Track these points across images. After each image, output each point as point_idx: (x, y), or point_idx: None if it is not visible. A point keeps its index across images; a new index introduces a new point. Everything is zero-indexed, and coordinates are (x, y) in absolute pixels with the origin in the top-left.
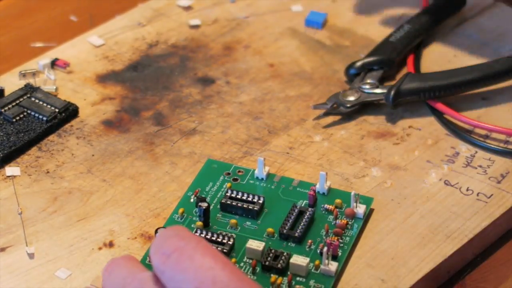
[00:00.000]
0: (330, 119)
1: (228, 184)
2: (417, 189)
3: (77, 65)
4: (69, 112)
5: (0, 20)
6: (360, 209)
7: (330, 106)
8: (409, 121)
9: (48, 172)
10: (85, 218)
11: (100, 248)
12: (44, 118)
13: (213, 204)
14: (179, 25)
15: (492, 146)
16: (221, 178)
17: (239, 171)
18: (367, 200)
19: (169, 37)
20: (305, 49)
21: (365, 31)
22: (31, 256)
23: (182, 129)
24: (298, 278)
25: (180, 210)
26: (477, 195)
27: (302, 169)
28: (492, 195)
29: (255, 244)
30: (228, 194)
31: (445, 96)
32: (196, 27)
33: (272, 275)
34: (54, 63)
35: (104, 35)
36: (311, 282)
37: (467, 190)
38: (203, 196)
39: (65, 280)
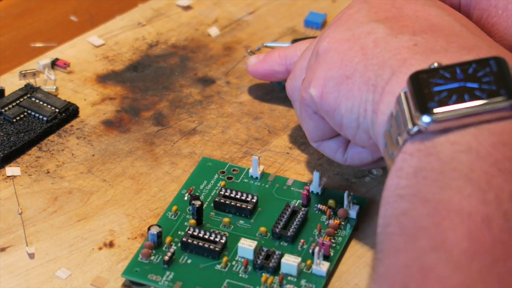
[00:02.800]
0: None
1: (222, 183)
2: None
3: (77, 65)
4: (69, 112)
5: (0, 20)
6: (353, 210)
7: None
8: None
9: (48, 172)
10: (85, 218)
11: (100, 248)
12: (44, 118)
13: (206, 203)
14: (179, 25)
15: None
16: (216, 176)
17: (233, 170)
18: (360, 201)
19: (169, 37)
20: None
21: None
22: (31, 256)
23: (182, 129)
24: (289, 278)
25: (174, 208)
26: None
27: (302, 169)
28: None
29: (247, 243)
30: (222, 193)
31: None
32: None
33: (263, 274)
34: (54, 63)
35: (104, 35)
36: (303, 282)
37: None
38: (197, 194)
39: (65, 280)
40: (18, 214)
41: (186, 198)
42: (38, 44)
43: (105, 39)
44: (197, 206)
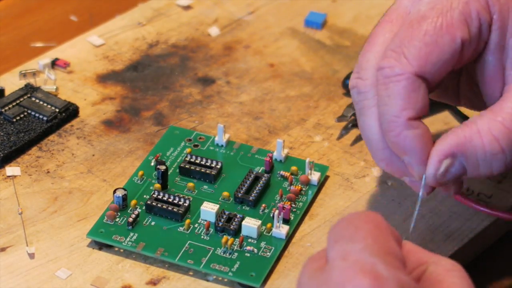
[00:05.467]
0: (330, 118)
1: (188, 150)
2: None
3: (77, 65)
4: (69, 112)
5: (0, 20)
6: (315, 176)
7: (349, 116)
8: None
9: (48, 172)
10: (85, 218)
11: (100, 248)
12: (45, 118)
13: (172, 168)
14: (179, 25)
15: None
16: (182, 144)
17: (200, 138)
18: (322, 168)
19: (169, 37)
20: (305, 49)
21: (365, 31)
22: (31, 256)
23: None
24: (249, 240)
25: (140, 173)
26: (478, 195)
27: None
28: (492, 195)
29: (210, 206)
30: (187, 159)
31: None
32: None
33: (224, 236)
34: (54, 63)
35: (104, 35)
36: (262, 244)
37: (468, 190)
38: (163, 160)
39: (65, 280)
40: (18, 214)
41: (152, 164)
42: (38, 44)
43: (105, 39)
44: (162, 170)
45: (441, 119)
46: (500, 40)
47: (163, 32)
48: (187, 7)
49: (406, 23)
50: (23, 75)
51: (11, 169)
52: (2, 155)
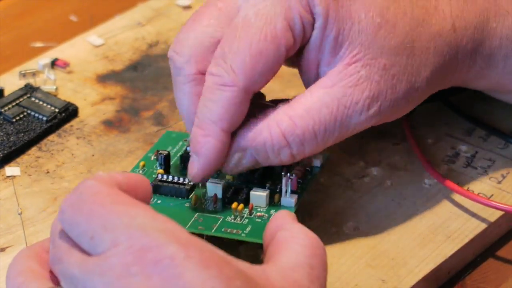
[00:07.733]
0: None
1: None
2: (417, 189)
3: (77, 65)
4: (69, 112)
5: (0, 20)
6: (317, 159)
7: None
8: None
9: (48, 172)
10: None
11: None
12: (44, 118)
13: (173, 160)
14: (179, 25)
15: (493, 146)
16: (180, 143)
17: None
18: (323, 156)
19: (169, 37)
20: None
21: None
22: None
23: (182, 129)
24: (259, 209)
25: (141, 163)
26: (478, 195)
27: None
28: (492, 195)
29: (215, 181)
30: (189, 150)
31: (457, 94)
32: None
33: (234, 202)
34: (54, 63)
35: (104, 35)
36: (272, 211)
37: (468, 190)
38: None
39: None
40: (17, 214)
41: (152, 158)
42: (38, 44)
43: (105, 39)
44: (164, 155)
45: (443, 120)
46: (320, 38)
47: (163, 32)
48: (187, 7)
49: (233, 26)
50: (23, 75)
51: (10, 169)
52: (1, 155)
